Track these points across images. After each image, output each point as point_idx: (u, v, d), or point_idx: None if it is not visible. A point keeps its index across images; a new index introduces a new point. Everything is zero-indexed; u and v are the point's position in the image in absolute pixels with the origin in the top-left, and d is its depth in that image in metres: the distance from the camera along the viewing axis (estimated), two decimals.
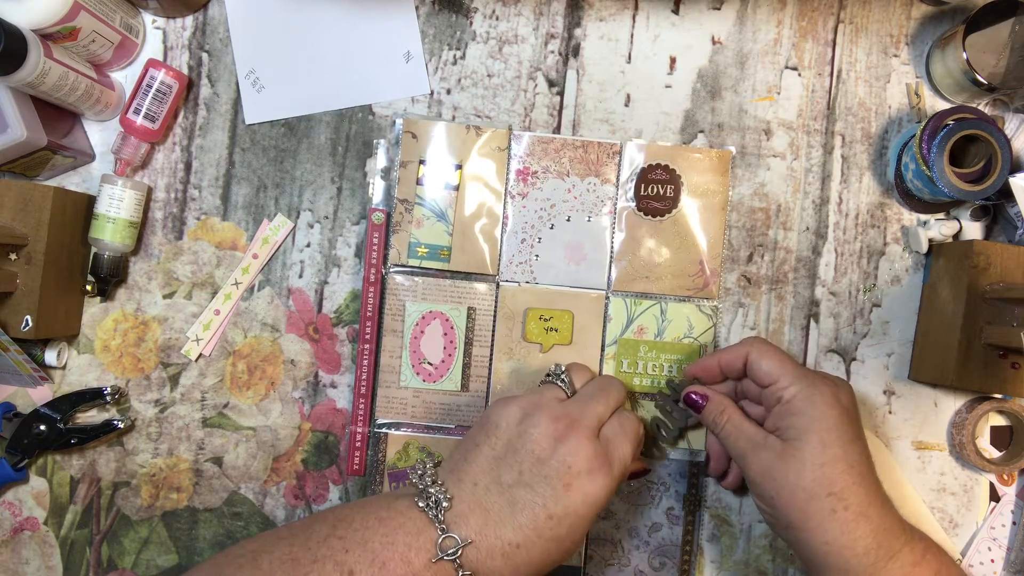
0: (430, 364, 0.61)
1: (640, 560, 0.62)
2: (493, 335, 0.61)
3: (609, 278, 0.61)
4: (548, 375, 0.55)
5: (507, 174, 0.61)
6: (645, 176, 0.61)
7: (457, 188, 0.61)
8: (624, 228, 0.61)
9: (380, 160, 0.62)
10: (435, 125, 0.61)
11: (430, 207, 0.61)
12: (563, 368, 0.55)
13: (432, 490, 0.48)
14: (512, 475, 0.49)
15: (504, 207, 0.61)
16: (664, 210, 0.61)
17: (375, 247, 0.61)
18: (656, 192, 0.61)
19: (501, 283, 0.61)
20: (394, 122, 0.62)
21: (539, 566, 0.48)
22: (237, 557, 0.46)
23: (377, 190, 0.61)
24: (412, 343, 0.61)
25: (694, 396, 0.57)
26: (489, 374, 0.61)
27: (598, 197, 0.61)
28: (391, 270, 0.61)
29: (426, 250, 0.61)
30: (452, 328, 0.61)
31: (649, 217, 0.61)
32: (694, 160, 0.61)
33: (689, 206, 0.61)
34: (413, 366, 0.61)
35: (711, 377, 0.58)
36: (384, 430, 0.61)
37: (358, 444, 0.61)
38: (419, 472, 0.50)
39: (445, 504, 0.47)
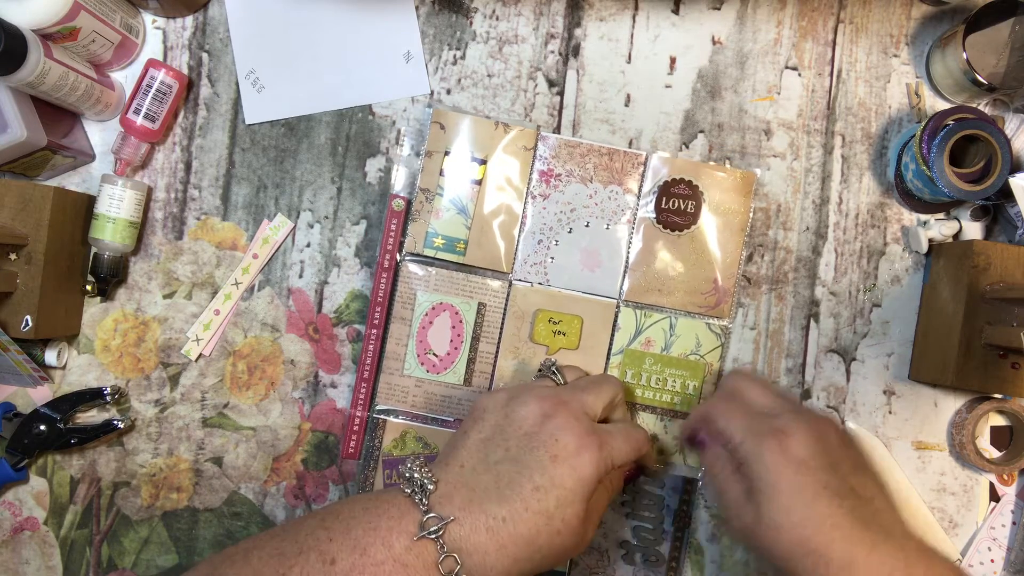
0: (435, 355, 0.61)
1: (626, 572, 0.62)
2: (501, 333, 0.61)
3: (622, 287, 0.61)
4: (540, 369, 0.56)
5: (531, 174, 0.61)
6: (667, 190, 0.61)
7: (480, 183, 0.61)
8: (641, 239, 0.61)
9: (405, 148, 0.62)
10: (463, 118, 0.61)
11: (451, 199, 0.61)
12: (553, 360, 0.56)
13: (417, 475, 0.47)
14: (499, 453, 0.48)
15: (524, 207, 0.61)
16: (683, 225, 0.61)
17: (392, 234, 0.61)
18: (677, 206, 0.61)
19: (514, 282, 0.61)
20: (398, 118, 0.62)
21: (527, 543, 0.46)
22: (231, 555, 0.46)
23: (399, 178, 0.61)
24: (420, 333, 0.60)
25: (699, 434, 0.54)
26: (493, 371, 0.61)
27: (619, 206, 0.61)
28: (406, 258, 0.61)
29: (443, 241, 0.61)
30: (461, 321, 0.61)
31: (668, 231, 0.61)
32: (717, 178, 0.61)
33: (708, 223, 0.61)
34: (418, 355, 0.61)
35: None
36: (383, 416, 0.61)
37: (356, 428, 0.61)
38: (408, 464, 0.49)
39: (430, 487, 0.47)
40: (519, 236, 0.61)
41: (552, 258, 0.61)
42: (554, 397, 0.50)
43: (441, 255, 0.61)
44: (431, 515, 0.46)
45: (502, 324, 0.61)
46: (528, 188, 0.61)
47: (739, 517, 0.50)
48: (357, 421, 0.61)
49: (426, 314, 0.61)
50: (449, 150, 0.61)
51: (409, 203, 0.61)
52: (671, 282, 0.61)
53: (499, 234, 0.61)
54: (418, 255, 0.61)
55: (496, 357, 0.61)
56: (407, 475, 0.48)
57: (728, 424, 0.51)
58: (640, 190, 0.61)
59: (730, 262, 0.61)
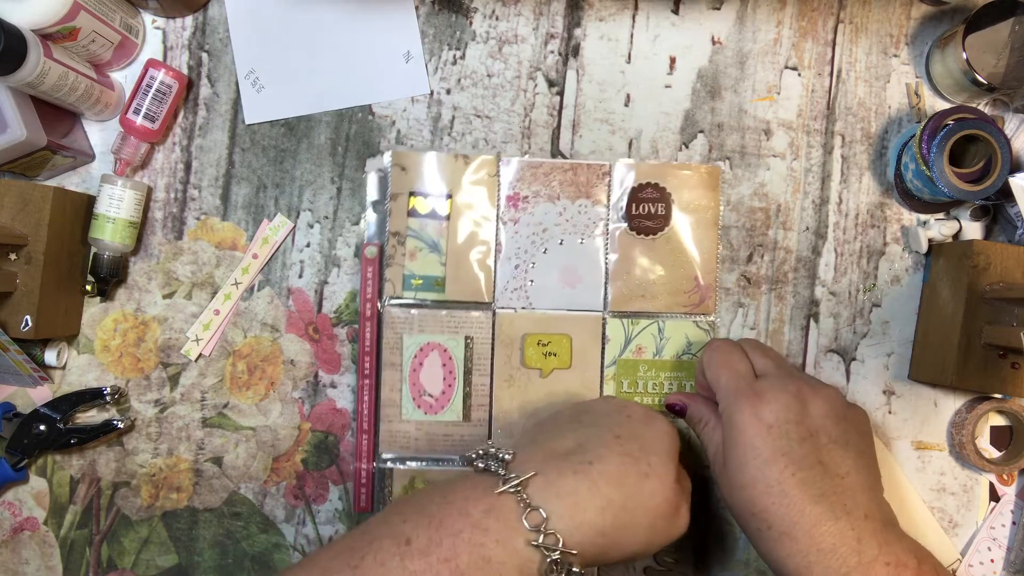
0: (431, 396, 0.60)
1: None
2: (492, 363, 0.61)
3: (605, 299, 0.61)
4: None
5: (498, 201, 0.61)
6: (635, 195, 0.61)
7: (448, 218, 0.61)
8: (617, 248, 0.61)
9: (371, 193, 0.62)
10: (424, 156, 0.61)
11: (422, 238, 0.60)
12: None
13: (492, 450, 0.47)
14: (572, 427, 0.50)
15: (496, 234, 0.61)
16: (656, 228, 0.61)
17: (369, 281, 0.60)
18: (647, 211, 0.61)
19: (497, 310, 0.61)
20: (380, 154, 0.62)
21: (619, 483, 0.45)
22: (298, 563, 0.45)
23: (369, 224, 0.61)
24: (411, 376, 0.60)
25: (675, 405, 0.59)
26: (490, 402, 0.61)
27: (589, 219, 0.61)
28: (388, 303, 0.61)
29: (420, 281, 0.60)
30: (451, 359, 0.60)
31: (642, 236, 0.61)
32: (684, 177, 0.61)
33: (681, 223, 0.61)
34: (414, 399, 0.60)
35: (705, 390, 0.58)
36: (389, 464, 0.61)
37: (364, 481, 0.61)
38: (477, 453, 0.49)
39: (507, 457, 0.46)
40: (496, 264, 0.61)
41: (531, 281, 0.61)
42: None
43: (421, 295, 0.60)
44: (509, 475, 0.45)
45: (492, 354, 0.61)
46: (497, 215, 0.61)
47: (713, 467, 0.53)
48: (364, 474, 0.61)
49: (415, 356, 0.60)
50: (414, 190, 0.60)
51: (382, 248, 0.61)
52: (653, 286, 0.61)
53: (476, 265, 0.61)
54: (399, 299, 0.61)
55: (491, 388, 0.61)
56: (480, 452, 0.48)
57: (715, 377, 0.53)
58: (609, 200, 0.61)
59: (708, 258, 0.61)
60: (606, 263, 0.61)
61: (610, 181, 0.61)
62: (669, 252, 0.61)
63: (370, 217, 0.61)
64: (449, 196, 0.61)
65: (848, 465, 0.48)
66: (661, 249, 0.61)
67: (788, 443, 0.48)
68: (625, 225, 0.61)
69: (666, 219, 0.61)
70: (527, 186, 0.61)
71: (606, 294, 0.61)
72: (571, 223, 0.61)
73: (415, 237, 0.60)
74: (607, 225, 0.61)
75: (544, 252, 0.61)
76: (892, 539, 0.47)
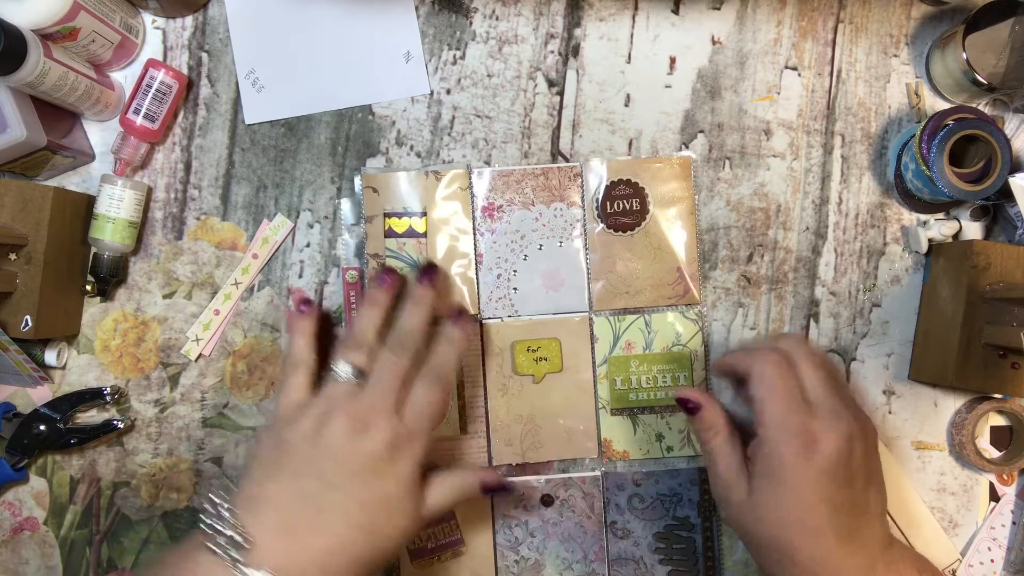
0: None
1: (663, 572, 0.62)
2: (484, 374, 0.61)
3: (590, 299, 0.61)
4: (331, 370, 0.52)
5: (473, 212, 0.61)
6: (609, 193, 0.61)
7: (425, 235, 0.61)
8: (597, 248, 0.61)
9: (346, 217, 0.62)
10: (394, 177, 0.61)
11: (401, 257, 0.61)
12: (348, 363, 0.51)
13: (228, 532, 0.44)
14: (315, 484, 0.47)
15: (475, 245, 0.61)
16: (633, 224, 0.61)
17: (353, 306, 0.61)
18: (622, 208, 0.61)
19: (483, 321, 0.61)
20: (356, 175, 0.62)
21: (358, 563, 0.47)
22: None
23: (348, 248, 0.61)
24: None
25: (689, 401, 0.53)
26: (486, 412, 0.61)
27: (566, 221, 0.61)
28: None
29: None
30: None
31: (620, 233, 0.61)
32: (656, 170, 0.61)
33: (658, 216, 0.61)
34: None
35: (728, 377, 0.55)
36: None
37: None
38: (211, 511, 0.45)
39: (246, 545, 0.44)
40: (477, 275, 0.61)
41: (515, 288, 0.61)
42: (359, 410, 0.49)
43: None
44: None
45: (483, 365, 0.61)
46: (474, 227, 0.61)
47: (727, 488, 0.50)
48: None
49: None
50: (388, 211, 0.61)
51: (362, 272, 0.61)
52: (636, 282, 0.61)
53: (458, 279, 0.61)
54: None
55: (486, 398, 0.61)
56: (210, 531, 0.44)
57: (766, 398, 0.49)
58: (583, 200, 0.61)
59: (688, 248, 0.61)
60: (587, 263, 0.61)
61: (583, 182, 0.61)
62: (648, 246, 0.61)
63: (348, 241, 0.61)
64: (424, 213, 0.61)
65: (871, 500, 0.49)
66: (640, 244, 0.61)
67: (833, 488, 0.47)
68: (602, 224, 0.61)
69: (642, 214, 0.61)
70: (500, 195, 0.61)
71: (590, 294, 0.61)
72: (548, 227, 0.61)
73: (394, 257, 0.60)
74: (584, 225, 0.61)
75: (524, 259, 0.61)
76: (896, 557, 0.48)
